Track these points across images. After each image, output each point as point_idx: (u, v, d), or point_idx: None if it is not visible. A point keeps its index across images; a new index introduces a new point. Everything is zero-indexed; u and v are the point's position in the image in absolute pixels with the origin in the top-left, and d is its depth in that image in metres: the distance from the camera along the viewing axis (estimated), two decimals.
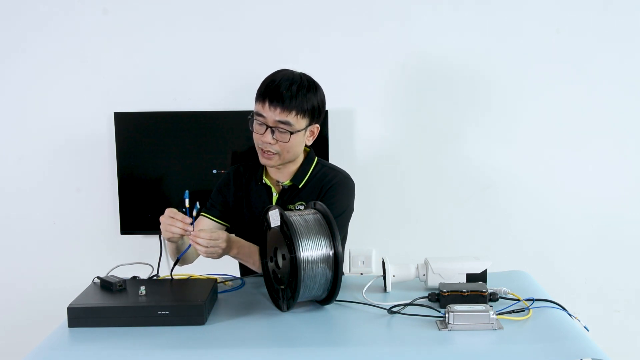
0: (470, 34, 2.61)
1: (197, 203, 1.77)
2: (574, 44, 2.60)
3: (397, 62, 2.63)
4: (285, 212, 1.62)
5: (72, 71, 2.67)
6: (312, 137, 1.95)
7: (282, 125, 1.84)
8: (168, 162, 2.63)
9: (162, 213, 1.74)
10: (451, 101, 2.66)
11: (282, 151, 1.89)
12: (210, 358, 1.39)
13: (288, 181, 1.98)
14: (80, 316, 1.53)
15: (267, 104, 1.84)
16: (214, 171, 2.61)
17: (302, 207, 1.92)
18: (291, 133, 1.85)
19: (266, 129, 1.86)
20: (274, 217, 1.62)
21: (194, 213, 1.74)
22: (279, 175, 2.00)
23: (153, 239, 2.72)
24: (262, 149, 1.90)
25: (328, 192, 1.95)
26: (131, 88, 2.67)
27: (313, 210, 1.68)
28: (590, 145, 2.66)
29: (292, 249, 1.54)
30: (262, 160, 1.93)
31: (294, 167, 1.99)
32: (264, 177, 2.01)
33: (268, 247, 1.71)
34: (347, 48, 2.62)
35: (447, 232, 2.72)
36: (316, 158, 2.03)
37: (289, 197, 1.98)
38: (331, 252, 1.58)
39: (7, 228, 2.76)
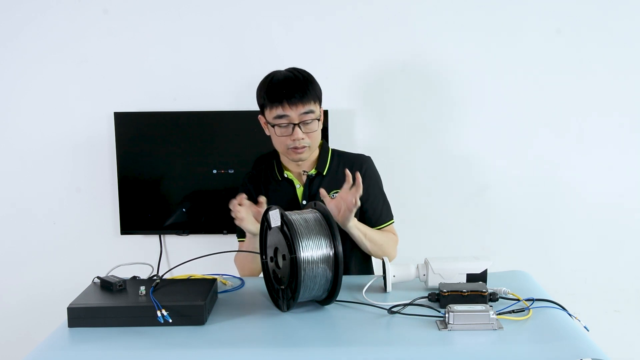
0: (470, 34, 2.61)
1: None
2: (575, 44, 2.60)
3: (397, 62, 2.63)
4: (286, 212, 1.62)
5: (72, 71, 2.67)
6: (321, 121, 2.04)
7: (307, 116, 1.94)
8: (168, 162, 2.63)
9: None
10: (451, 101, 2.65)
11: (312, 141, 1.99)
12: (210, 358, 1.39)
13: (313, 170, 2.07)
14: (80, 316, 1.53)
15: (286, 105, 1.92)
16: (214, 171, 2.61)
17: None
18: (317, 120, 1.97)
19: (294, 127, 1.93)
20: (274, 217, 1.62)
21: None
22: (301, 167, 2.07)
23: (153, 239, 2.74)
24: (293, 148, 1.98)
25: (366, 180, 2.01)
26: (131, 88, 2.67)
27: (313, 210, 1.68)
28: (591, 145, 2.66)
29: (292, 249, 1.54)
30: (295, 157, 2.01)
31: (313, 156, 2.08)
32: (284, 172, 2.08)
33: (268, 247, 1.71)
34: (347, 48, 2.62)
35: (447, 232, 2.72)
36: (330, 147, 2.17)
37: (316, 185, 2.05)
38: (331, 252, 1.58)
39: (8, 228, 2.76)
